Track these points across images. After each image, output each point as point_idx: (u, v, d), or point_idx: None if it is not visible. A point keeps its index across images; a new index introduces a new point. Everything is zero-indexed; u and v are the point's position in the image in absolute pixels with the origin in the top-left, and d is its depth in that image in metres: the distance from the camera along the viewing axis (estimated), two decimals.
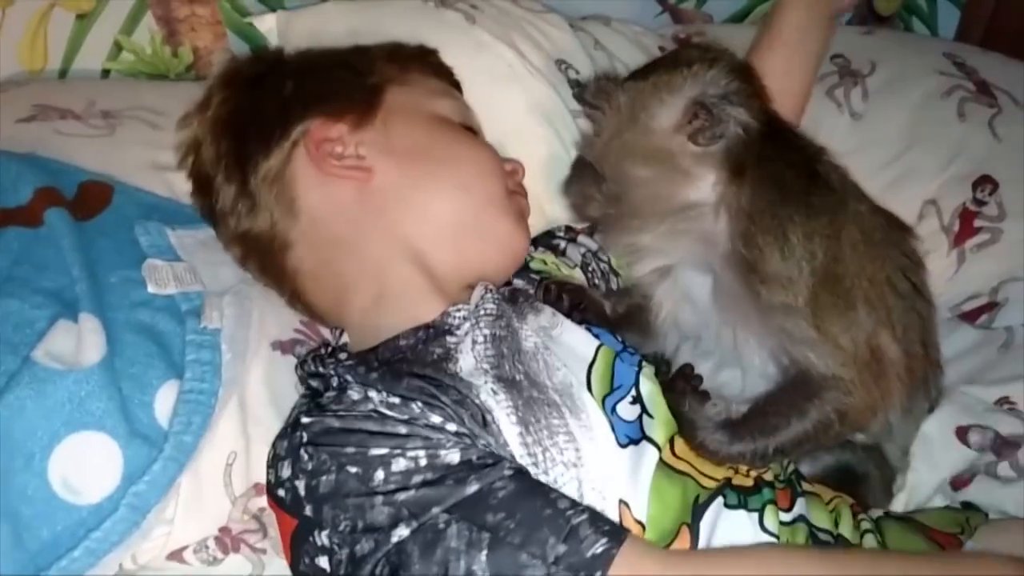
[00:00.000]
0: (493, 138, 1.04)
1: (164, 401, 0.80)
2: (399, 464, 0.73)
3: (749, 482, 0.84)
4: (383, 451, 0.73)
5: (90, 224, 0.93)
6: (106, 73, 1.29)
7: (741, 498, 0.82)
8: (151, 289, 0.87)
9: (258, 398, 0.87)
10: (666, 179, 0.86)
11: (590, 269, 1.08)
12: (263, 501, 0.85)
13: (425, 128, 0.94)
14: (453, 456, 0.74)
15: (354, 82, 0.96)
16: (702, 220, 0.86)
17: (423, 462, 0.73)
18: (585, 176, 0.91)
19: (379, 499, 0.72)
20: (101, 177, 1.00)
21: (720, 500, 0.82)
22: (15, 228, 0.89)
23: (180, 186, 1.04)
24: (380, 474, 0.73)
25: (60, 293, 0.83)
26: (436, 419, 0.76)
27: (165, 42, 1.30)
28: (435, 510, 0.71)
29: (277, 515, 0.80)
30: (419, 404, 0.76)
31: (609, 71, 1.08)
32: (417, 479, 0.73)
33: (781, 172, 0.84)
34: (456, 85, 1.07)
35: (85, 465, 0.76)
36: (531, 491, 0.73)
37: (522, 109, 1.10)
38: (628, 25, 1.32)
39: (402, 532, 0.71)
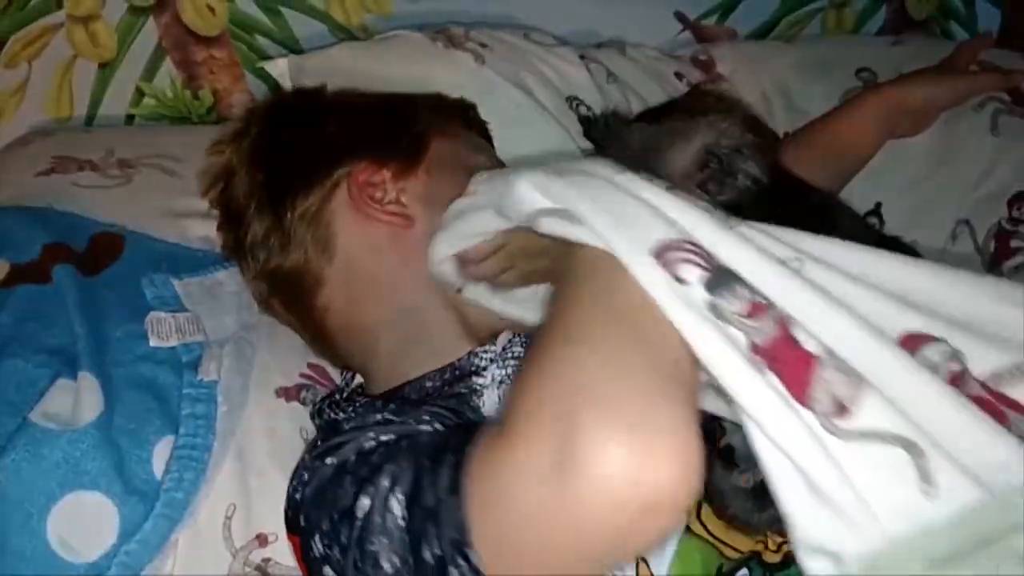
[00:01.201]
0: None
1: (161, 457, 0.81)
2: (369, 444, 0.73)
3: (778, 558, 0.80)
4: (364, 442, 0.73)
5: (99, 278, 0.94)
6: (131, 119, 1.32)
7: (767, 574, 0.79)
8: (153, 343, 0.87)
9: (258, 448, 0.87)
10: None
11: None
12: (266, 552, 0.85)
13: (466, 181, 0.93)
14: (425, 435, 0.72)
15: (400, 128, 0.95)
16: None
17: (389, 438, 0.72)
18: None
19: (347, 478, 0.71)
20: (114, 228, 1.01)
21: (744, 572, 0.79)
22: (25, 286, 0.90)
23: (193, 231, 1.05)
24: (352, 456, 0.72)
25: (63, 351, 0.84)
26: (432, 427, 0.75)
27: (185, 86, 1.32)
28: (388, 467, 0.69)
29: (291, 543, 0.80)
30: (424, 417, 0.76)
31: (620, 107, 1.07)
32: (380, 450, 0.72)
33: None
34: (490, 139, 1.07)
35: (81, 524, 0.77)
36: None
37: (531, 150, 1.09)
38: (644, 50, 1.30)
39: (364, 503, 0.69)
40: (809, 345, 0.60)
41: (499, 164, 1.00)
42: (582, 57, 1.21)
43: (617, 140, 0.89)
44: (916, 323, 0.63)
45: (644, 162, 0.85)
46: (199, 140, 1.16)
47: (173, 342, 0.88)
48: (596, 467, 0.55)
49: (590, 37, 1.38)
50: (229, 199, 0.98)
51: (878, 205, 1.19)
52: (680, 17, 1.44)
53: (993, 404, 0.62)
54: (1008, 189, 1.15)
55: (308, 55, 1.19)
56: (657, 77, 1.25)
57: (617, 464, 0.54)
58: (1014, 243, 1.13)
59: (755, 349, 0.60)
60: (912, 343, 0.63)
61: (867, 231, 0.90)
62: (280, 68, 1.17)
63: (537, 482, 0.57)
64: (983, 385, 0.62)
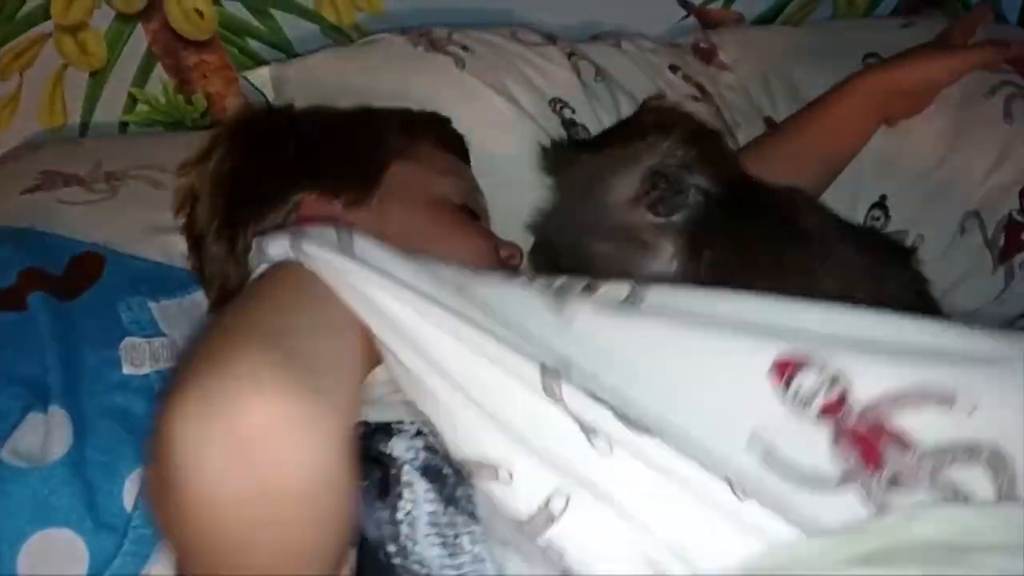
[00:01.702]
0: (485, 188, 1.02)
1: (132, 490, 0.80)
2: None
3: None
4: None
5: (77, 302, 0.93)
6: (124, 126, 1.31)
7: None
8: (126, 370, 0.87)
9: None
10: (626, 254, 0.82)
11: None
12: None
13: (420, 212, 0.92)
14: None
15: (356, 156, 0.94)
16: None
17: None
18: (543, 251, 0.88)
19: None
20: (95, 248, 1.01)
21: None
22: (1, 313, 0.90)
23: (177, 247, 1.03)
24: None
25: (36, 382, 0.84)
26: None
27: (178, 91, 1.31)
28: None
29: None
30: None
31: (571, 135, 1.07)
32: None
33: (745, 236, 0.79)
34: (465, 154, 1.05)
35: (51, 561, 0.76)
36: None
37: (512, 157, 1.06)
38: (641, 41, 1.26)
39: None
40: None
41: (468, 187, 0.98)
42: (571, 55, 1.17)
43: (563, 172, 0.88)
44: (786, 348, 0.62)
45: (590, 192, 0.83)
46: (188, 148, 1.15)
47: (146, 369, 0.87)
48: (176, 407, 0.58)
49: (591, 27, 1.34)
50: (192, 224, 0.98)
51: (883, 197, 1.15)
52: (683, 3, 1.39)
53: (866, 441, 0.59)
54: (1020, 179, 1.10)
55: (290, 63, 1.17)
56: (649, 71, 1.20)
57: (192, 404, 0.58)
58: None
59: None
60: (783, 370, 0.61)
61: (839, 226, 0.86)
62: (262, 77, 1.16)
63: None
64: (862, 414, 0.60)
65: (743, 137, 1.19)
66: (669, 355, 0.64)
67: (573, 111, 1.12)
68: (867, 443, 0.59)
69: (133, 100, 1.30)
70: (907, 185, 1.14)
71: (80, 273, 0.97)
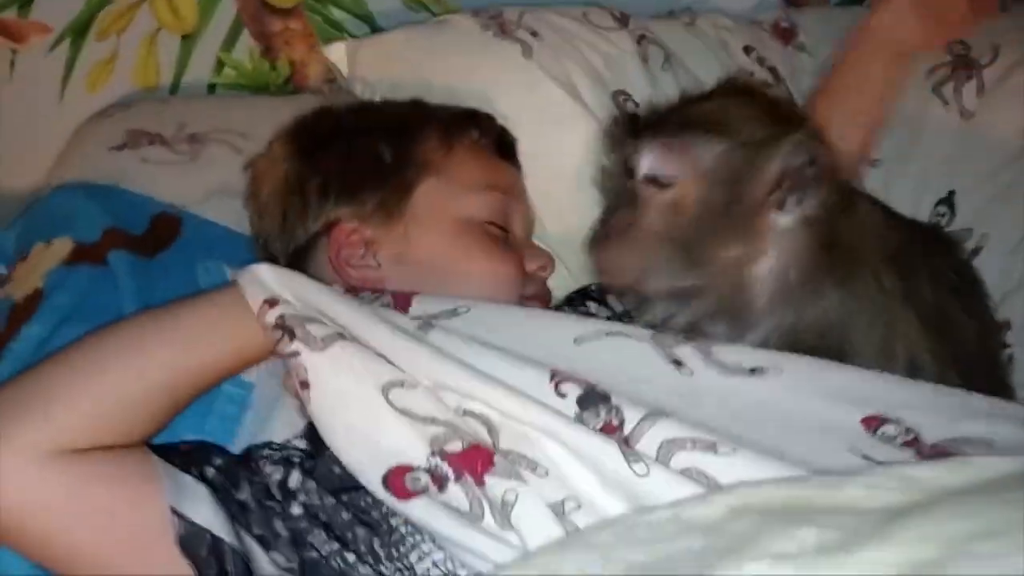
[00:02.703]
0: (543, 183, 1.05)
1: None
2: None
3: None
4: None
5: (156, 261, 1.00)
6: (212, 88, 1.37)
7: None
8: None
9: None
10: (748, 257, 0.84)
11: None
12: None
13: (445, 237, 0.96)
14: None
15: (386, 177, 0.98)
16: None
17: None
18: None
19: None
20: (173, 209, 1.07)
21: None
22: (85, 265, 0.97)
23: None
24: None
25: None
26: None
27: (263, 56, 1.36)
28: None
29: None
30: None
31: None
32: None
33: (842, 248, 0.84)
34: (511, 151, 1.07)
35: None
36: None
37: (570, 152, 1.07)
38: (718, 19, 1.24)
39: None
40: None
41: (499, 199, 0.99)
42: (642, 39, 1.17)
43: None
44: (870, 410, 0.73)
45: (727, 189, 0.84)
46: (270, 114, 1.20)
47: None
48: None
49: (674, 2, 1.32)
50: (252, 223, 1.06)
51: (951, 193, 1.12)
52: None
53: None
54: None
55: (363, 41, 1.20)
56: (723, 53, 1.19)
57: None
58: None
59: None
60: (871, 423, 0.72)
61: (893, 219, 0.88)
62: (338, 54, 1.19)
63: None
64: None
65: None
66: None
67: (637, 104, 1.11)
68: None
69: (221, 64, 1.36)
70: (976, 181, 1.10)
71: (160, 233, 1.04)
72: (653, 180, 0.85)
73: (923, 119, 1.14)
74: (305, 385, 0.78)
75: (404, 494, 0.73)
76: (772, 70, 1.20)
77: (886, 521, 0.57)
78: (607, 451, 0.69)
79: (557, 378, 0.74)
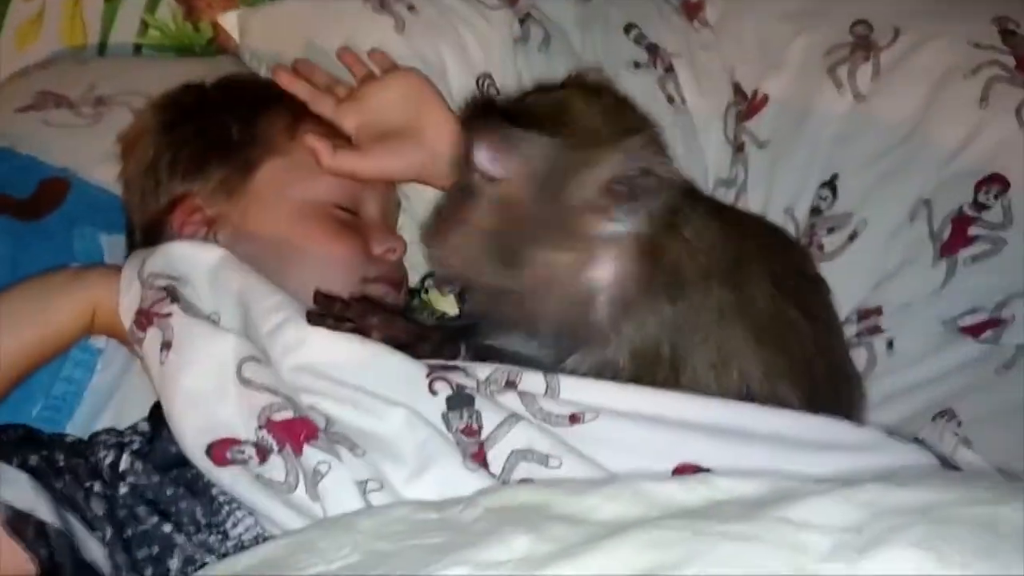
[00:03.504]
0: None
1: None
2: None
3: None
4: None
5: (39, 224, 1.04)
6: (138, 49, 1.40)
7: None
8: None
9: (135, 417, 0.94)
10: (578, 265, 0.84)
11: None
12: None
13: (284, 217, 0.97)
14: None
15: (230, 154, 1.00)
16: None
17: None
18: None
19: None
20: (63, 173, 1.10)
21: None
22: None
23: None
24: None
25: None
26: None
27: (185, 18, 1.38)
28: None
29: None
30: None
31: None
32: None
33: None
34: None
35: None
36: None
37: None
38: None
39: None
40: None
41: (347, 183, 1.00)
42: (527, 17, 1.16)
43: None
44: (691, 454, 0.75)
45: (548, 193, 0.83)
46: (183, 77, 1.21)
47: None
48: None
49: None
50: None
51: (834, 176, 1.11)
52: None
53: None
54: (979, 169, 1.05)
55: (255, 10, 1.21)
56: (601, 32, 1.18)
57: None
58: (973, 230, 1.04)
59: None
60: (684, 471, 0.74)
61: (733, 226, 0.88)
62: (231, 22, 1.21)
63: None
64: None
65: (705, 102, 1.17)
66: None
67: (498, 91, 1.10)
68: None
69: (145, 25, 1.38)
70: (861, 165, 1.10)
71: (46, 197, 1.07)
72: (484, 173, 0.85)
73: (813, 100, 1.13)
74: (167, 346, 0.82)
75: (222, 461, 0.77)
76: (651, 48, 1.18)
77: (604, 536, 0.58)
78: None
79: (432, 375, 0.79)
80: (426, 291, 1.09)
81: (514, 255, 0.84)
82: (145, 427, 0.90)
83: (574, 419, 0.78)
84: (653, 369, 0.83)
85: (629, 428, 0.77)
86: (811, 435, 0.78)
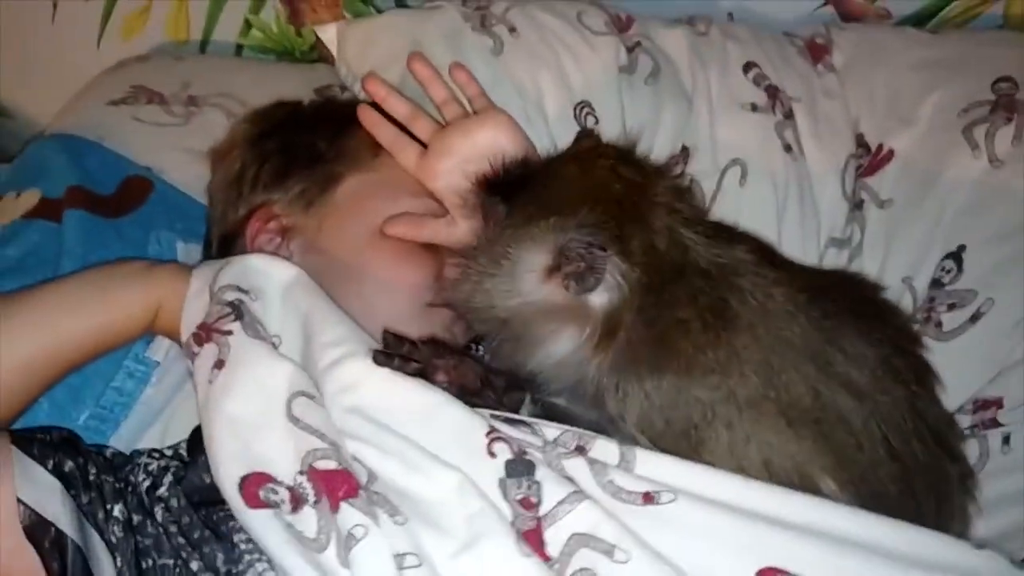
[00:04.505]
0: None
1: None
2: None
3: None
4: None
5: (116, 223, 1.01)
6: (239, 48, 1.38)
7: None
8: None
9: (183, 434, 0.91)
10: (537, 329, 0.78)
11: None
12: None
13: (357, 235, 0.93)
14: None
15: (315, 170, 0.96)
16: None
17: None
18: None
19: None
20: (147, 173, 1.08)
21: None
22: (41, 221, 0.99)
23: None
24: None
25: None
26: None
27: (288, 22, 1.35)
28: None
29: None
30: None
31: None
32: None
33: (663, 325, 0.75)
34: None
35: None
36: None
37: None
38: (734, 29, 1.15)
39: None
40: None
41: (429, 206, 0.95)
42: (636, 46, 1.09)
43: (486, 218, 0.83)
44: (778, 557, 0.68)
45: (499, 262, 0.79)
46: (275, 82, 1.20)
47: None
48: None
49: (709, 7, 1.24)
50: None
51: (961, 248, 1.01)
52: None
53: None
54: None
55: (353, 24, 1.17)
56: (718, 69, 1.10)
57: None
58: None
59: None
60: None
61: (791, 292, 0.78)
62: (329, 34, 1.17)
63: None
64: None
65: (824, 153, 1.08)
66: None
67: (597, 120, 1.05)
68: None
69: (248, 25, 1.36)
70: (993, 238, 1.00)
71: (127, 196, 1.06)
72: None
73: (944, 161, 1.04)
74: (219, 365, 0.77)
75: (254, 502, 0.72)
76: (771, 90, 1.10)
77: None
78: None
79: (493, 435, 0.72)
80: None
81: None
82: (183, 449, 0.86)
83: (648, 498, 0.70)
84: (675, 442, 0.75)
85: (710, 517, 0.70)
86: (911, 549, 0.69)
